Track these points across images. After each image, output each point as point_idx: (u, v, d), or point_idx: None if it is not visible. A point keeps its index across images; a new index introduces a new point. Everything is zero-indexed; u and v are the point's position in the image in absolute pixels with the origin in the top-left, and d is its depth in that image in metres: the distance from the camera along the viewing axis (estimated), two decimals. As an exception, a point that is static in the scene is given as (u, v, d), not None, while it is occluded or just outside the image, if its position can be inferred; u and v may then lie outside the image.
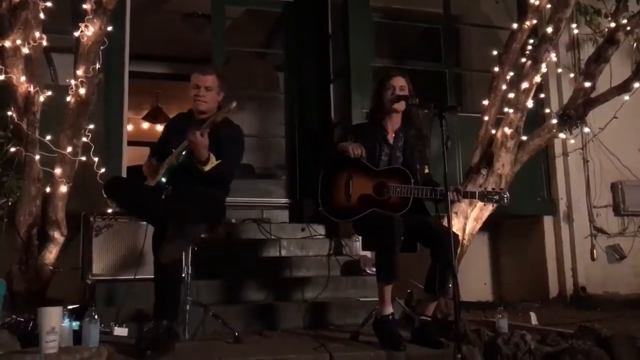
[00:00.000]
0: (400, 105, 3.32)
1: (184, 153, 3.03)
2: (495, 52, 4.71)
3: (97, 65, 3.63)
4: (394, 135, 3.38)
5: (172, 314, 2.96)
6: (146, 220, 3.19)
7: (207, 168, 2.96)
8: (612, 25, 4.67)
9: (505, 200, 3.13)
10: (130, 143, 4.73)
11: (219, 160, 2.98)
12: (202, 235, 3.13)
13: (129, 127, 6.34)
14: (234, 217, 4.87)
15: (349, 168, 3.25)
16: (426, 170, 3.33)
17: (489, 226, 5.02)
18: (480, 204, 4.10)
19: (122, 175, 4.25)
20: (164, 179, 3.06)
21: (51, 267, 3.46)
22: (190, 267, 3.20)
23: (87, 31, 3.60)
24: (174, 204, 2.97)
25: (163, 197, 3.08)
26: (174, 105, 7.65)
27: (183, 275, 3.14)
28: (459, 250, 3.54)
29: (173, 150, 3.08)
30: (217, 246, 4.11)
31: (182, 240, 2.85)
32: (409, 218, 3.13)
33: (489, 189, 3.82)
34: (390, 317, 3.08)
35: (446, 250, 2.88)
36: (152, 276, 3.01)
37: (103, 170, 3.67)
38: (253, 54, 6.80)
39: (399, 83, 3.34)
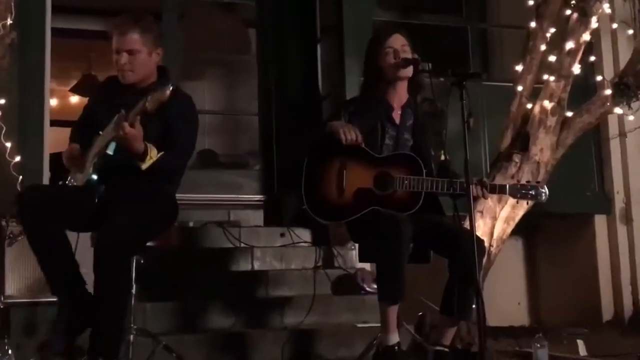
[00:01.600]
0: (407, 72, 3.32)
1: (114, 144, 2.91)
2: (531, 2, 4.72)
3: (9, 21, 3.60)
4: (400, 112, 3.38)
5: (114, 351, 2.94)
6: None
7: (145, 165, 2.88)
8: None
9: (543, 196, 3.15)
10: (53, 123, 4.71)
11: (161, 153, 2.91)
12: (149, 244, 3.12)
13: (53, 102, 6.30)
14: (192, 219, 4.88)
15: (342, 154, 3.25)
16: (442, 157, 3.34)
17: (524, 229, 5.07)
18: (512, 200, 4.12)
19: (39, 183, 4.01)
20: (94, 176, 3.01)
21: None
22: (134, 286, 3.18)
23: (-5, -24, 3.58)
24: (108, 212, 2.92)
25: (96, 201, 3.03)
26: (113, 73, 7.57)
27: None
28: (484, 260, 3.57)
29: (100, 132, 3.00)
30: (170, 257, 4.11)
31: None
32: (420, 219, 3.15)
33: (523, 181, 3.85)
34: (396, 347, 3.09)
35: (468, 261, 2.90)
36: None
37: (18, 158, 3.65)
38: (216, 5, 6.77)
39: (399, 42, 3.33)
